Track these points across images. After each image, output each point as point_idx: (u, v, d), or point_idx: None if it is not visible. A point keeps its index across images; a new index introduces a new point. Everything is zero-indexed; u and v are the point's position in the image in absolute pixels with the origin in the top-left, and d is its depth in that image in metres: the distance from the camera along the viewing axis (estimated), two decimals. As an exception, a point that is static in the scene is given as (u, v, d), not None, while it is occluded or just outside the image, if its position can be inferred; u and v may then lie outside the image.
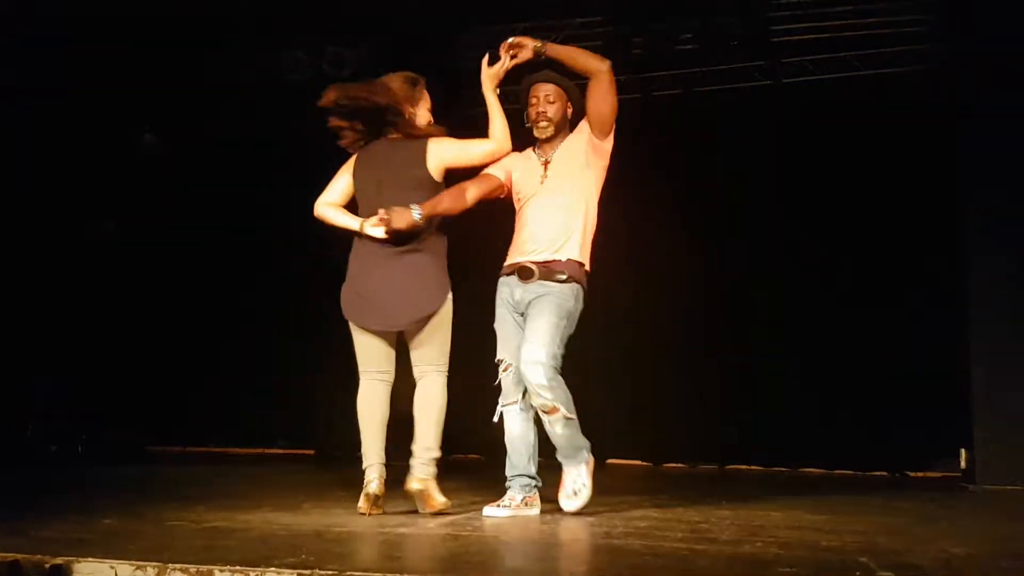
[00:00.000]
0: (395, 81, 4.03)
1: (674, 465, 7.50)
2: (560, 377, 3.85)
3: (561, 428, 3.83)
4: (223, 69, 8.33)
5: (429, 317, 3.89)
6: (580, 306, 4.01)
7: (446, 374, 3.98)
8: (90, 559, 2.54)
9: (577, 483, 3.89)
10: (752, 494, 4.97)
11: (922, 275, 6.85)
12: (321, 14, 7.60)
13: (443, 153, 3.96)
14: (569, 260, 3.96)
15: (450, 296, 3.95)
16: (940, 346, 6.56)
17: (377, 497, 3.79)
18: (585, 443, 3.93)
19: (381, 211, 3.79)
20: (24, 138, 7.82)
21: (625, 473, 6.92)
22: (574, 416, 3.85)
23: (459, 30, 7.91)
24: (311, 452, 8.21)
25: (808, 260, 7.26)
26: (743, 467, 7.27)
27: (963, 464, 6.19)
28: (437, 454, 3.88)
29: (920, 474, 6.81)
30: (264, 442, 8.52)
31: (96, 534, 3.08)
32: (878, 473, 6.88)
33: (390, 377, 4.02)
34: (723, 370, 7.30)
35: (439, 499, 3.82)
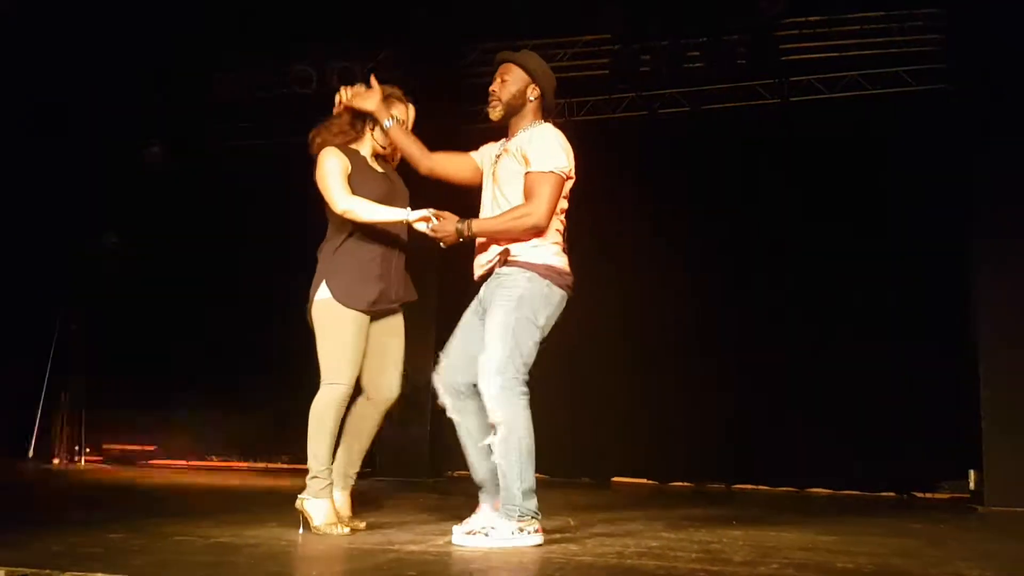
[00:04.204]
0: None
1: (680, 484, 7.44)
2: None
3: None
4: (231, 82, 8.37)
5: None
6: None
7: None
8: (98, 574, 2.51)
9: (492, 527, 3.30)
10: (761, 514, 4.92)
11: (930, 295, 6.82)
12: (329, 28, 7.63)
13: None
14: None
15: None
16: (949, 367, 6.53)
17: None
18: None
19: (429, 211, 3.51)
20: (30, 150, 7.84)
21: (631, 492, 6.87)
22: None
23: (466, 45, 7.94)
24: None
25: (815, 278, 7.24)
26: (749, 487, 7.22)
27: (972, 485, 6.15)
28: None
29: (928, 495, 6.77)
30: (268, 456, 8.47)
31: (102, 548, 3.04)
32: (886, 494, 6.84)
33: None
34: (729, 389, 7.26)
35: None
